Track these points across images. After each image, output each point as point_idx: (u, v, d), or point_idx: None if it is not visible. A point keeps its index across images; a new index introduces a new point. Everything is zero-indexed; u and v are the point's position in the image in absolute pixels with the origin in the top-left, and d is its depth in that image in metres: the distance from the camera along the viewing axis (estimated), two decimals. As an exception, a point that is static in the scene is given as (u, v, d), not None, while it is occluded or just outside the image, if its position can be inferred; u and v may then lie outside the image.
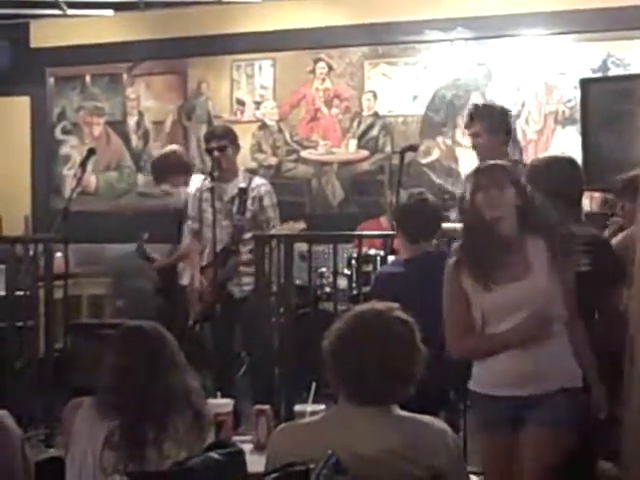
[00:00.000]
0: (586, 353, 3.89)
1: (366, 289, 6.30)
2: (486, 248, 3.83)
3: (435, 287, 4.08)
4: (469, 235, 3.91)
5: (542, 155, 5.88)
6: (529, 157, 8.31)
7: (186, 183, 6.97)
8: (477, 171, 4.04)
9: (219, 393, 4.20)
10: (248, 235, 6.29)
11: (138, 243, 7.42)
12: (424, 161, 8.77)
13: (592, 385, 3.91)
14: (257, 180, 6.62)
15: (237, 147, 6.57)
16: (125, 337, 3.43)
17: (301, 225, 6.32)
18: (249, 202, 6.36)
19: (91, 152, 7.15)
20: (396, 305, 2.95)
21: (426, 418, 2.87)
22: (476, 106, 6.26)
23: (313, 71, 9.30)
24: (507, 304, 3.78)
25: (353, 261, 7.14)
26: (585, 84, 6.74)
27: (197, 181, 6.86)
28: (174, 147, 7.69)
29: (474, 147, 6.06)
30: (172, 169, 7.14)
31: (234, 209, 6.35)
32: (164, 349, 3.37)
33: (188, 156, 7.31)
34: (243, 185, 6.35)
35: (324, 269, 7.43)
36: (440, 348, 3.89)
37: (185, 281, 6.68)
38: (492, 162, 4.17)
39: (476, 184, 3.88)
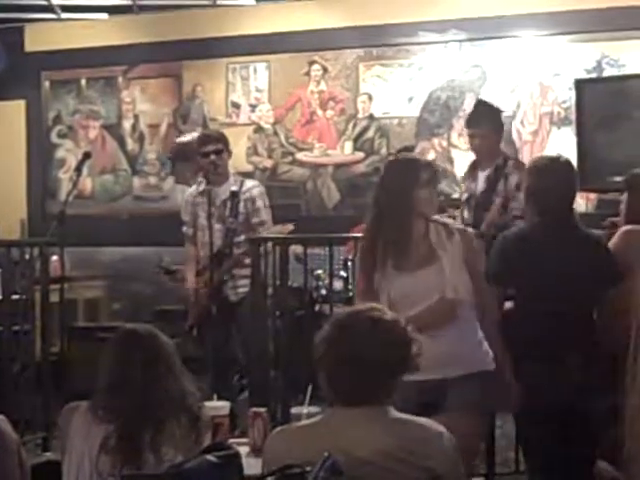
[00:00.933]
0: (497, 339, 4.01)
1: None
2: (399, 238, 3.93)
3: None
4: (385, 225, 3.97)
5: (536, 155, 5.92)
6: (524, 158, 8.34)
7: (192, 179, 6.96)
8: (424, 166, 4.10)
9: (215, 396, 4.20)
10: (241, 238, 6.31)
11: (157, 266, 7.45)
12: (419, 163, 8.75)
13: (502, 370, 3.99)
14: (249, 183, 6.64)
15: (230, 152, 6.59)
16: (120, 341, 3.43)
17: (289, 227, 6.33)
18: (241, 205, 6.38)
19: (86, 156, 7.15)
20: (374, 305, 2.97)
21: (422, 420, 2.87)
22: (482, 107, 6.34)
23: (308, 73, 9.30)
24: (416, 290, 3.86)
25: (349, 263, 7.14)
26: (580, 85, 6.76)
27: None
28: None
29: (476, 146, 6.12)
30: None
31: (226, 212, 6.36)
32: (159, 352, 3.37)
33: None
34: (235, 188, 6.36)
35: (320, 271, 7.43)
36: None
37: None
38: (430, 159, 4.31)
39: (424, 179, 3.95)
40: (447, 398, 3.86)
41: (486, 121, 6.13)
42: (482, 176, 6.14)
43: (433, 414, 3.80)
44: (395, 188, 3.96)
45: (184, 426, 3.27)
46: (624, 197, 4.83)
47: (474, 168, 6.26)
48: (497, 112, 6.37)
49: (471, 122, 6.25)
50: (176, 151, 7.51)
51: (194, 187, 6.64)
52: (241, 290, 6.36)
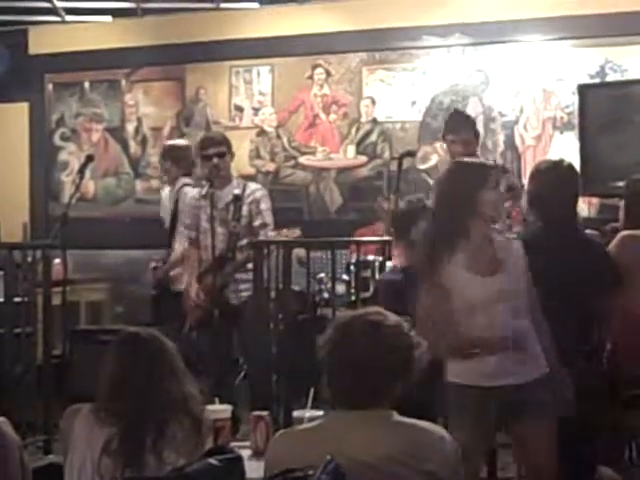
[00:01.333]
0: (550, 344, 4.00)
1: (365, 295, 6.30)
2: (457, 238, 3.94)
3: None
4: (445, 223, 3.99)
5: (539, 160, 5.95)
6: (527, 163, 8.36)
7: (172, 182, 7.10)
8: (492, 168, 4.15)
9: (217, 399, 4.20)
10: (244, 242, 6.29)
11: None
12: (422, 167, 8.78)
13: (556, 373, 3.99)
14: (252, 185, 6.63)
15: (232, 154, 6.58)
16: (123, 344, 3.43)
17: (296, 233, 6.32)
18: (244, 208, 6.36)
19: (89, 158, 7.16)
20: (376, 309, 2.96)
21: (424, 424, 2.87)
22: (459, 115, 6.52)
23: (311, 77, 9.31)
24: (491, 295, 3.87)
25: (351, 267, 7.13)
26: (583, 90, 6.76)
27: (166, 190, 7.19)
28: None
29: (459, 153, 6.16)
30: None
31: (229, 216, 6.35)
32: (162, 355, 3.37)
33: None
34: (237, 192, 6.34)
35: (322, 275, 7.43)
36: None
37: (181, 287, 6.69)
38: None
39: (492, 182, 3.96)
40: (528, 403, 3.87)
41: (466, 127, 6.21)
42: None
43: (514, 424, 3.88)
44: (460, 188, 3.96)
45: (186, 429, 3.26)
46: (622, 203, 4.85)
47: None
48: (473, 121, 6.54)
49: (452, 129, 6.29)
50: (166, 150, 7.55)
51: (196, 190, 6.64)
52: (243, 294, 6.35)
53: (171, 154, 7.32)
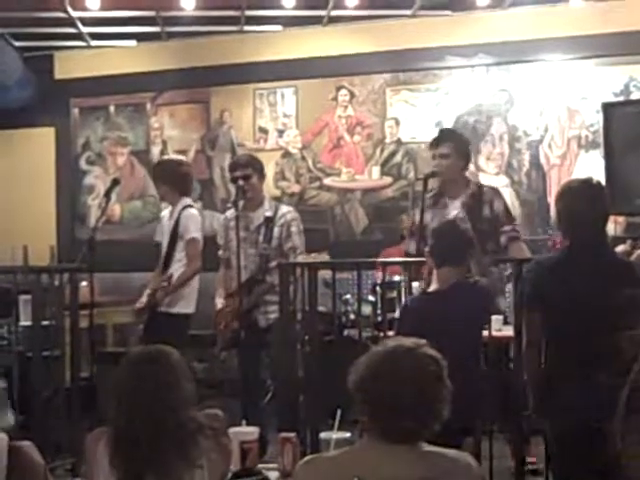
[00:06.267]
0: None
1: (391, 315, 6.29)
2: None
3: (463, 318, 4.17)
4: None
5: (570, 178, 5.93)
6: (552, 182, 8.35)
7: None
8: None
9: (244, 421, 4.20)
10: (274, 264, 6.29)
11: None
12: (447, 187, 8.76)
13: None
14: (284, 208, 6.65)
15: (262, 176, 6.59)
16: (127, 365, 3.29)
17: (324, 257, 6.31)
18: (276, 230, 6.39)
19: (115, 182, 7.17)
20: (423, 341, 2.91)
21: (452, 452, 2.82)
22: (443, 130, 6.51)
23: (335, 98, 9.33)
24: None
25: (377, 287, 7.13)
26: (607, 108, 6.73)
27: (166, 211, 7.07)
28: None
29: (439, 167, 6.12)
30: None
31: (260, 238, 6.37)
32: (169, 375, 3.18)
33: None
34: (269, 214, 6.37)
35: (348, 296, 7.43)
36: (465, 378, 3.88)
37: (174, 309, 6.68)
38: None
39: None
40: None
41: (446, 141, 6.15)
42: (456, 204, 6.08)
43: None
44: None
45: (205, 450, 3.14)
46: None
47: (440, 196, 6.19)
48: (460, 136, 6.42)
49: (432, 143, 6.26)
50: (155, 171, 7.52)
51: (230, 211, 6.62)
52: (272, 316, 6.34)
53: (163, 173, 7.15)
